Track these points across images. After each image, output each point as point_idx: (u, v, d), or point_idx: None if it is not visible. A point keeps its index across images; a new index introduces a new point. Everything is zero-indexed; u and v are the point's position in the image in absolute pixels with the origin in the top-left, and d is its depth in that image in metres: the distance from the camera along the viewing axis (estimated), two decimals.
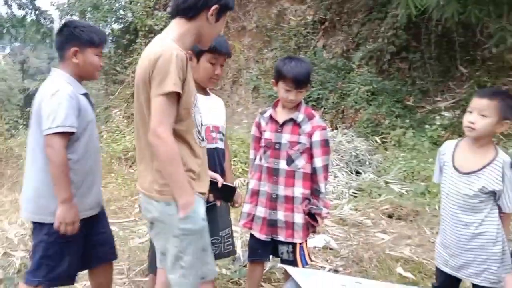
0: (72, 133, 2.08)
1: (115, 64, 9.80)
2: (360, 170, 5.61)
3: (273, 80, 2.43)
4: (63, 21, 11.32)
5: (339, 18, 8.39)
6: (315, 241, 3.58)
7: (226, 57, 2.30)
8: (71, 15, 10.29)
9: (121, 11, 10.11)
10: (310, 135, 2.35)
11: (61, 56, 2.23)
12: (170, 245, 1.79)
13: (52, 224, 2.09)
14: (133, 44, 9.15)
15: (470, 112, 2.07)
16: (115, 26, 10.38)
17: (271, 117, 2.44)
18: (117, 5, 10.13)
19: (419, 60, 7.33)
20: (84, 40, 2.19)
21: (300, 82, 2.32)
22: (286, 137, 2.37)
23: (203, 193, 1.87)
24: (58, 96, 2.06)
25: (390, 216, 4.31)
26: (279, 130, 2.38)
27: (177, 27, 1.81)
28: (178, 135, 1.75)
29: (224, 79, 8.73)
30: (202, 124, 1.95)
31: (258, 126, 2.53)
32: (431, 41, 7.24)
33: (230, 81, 8.93)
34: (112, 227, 2.78)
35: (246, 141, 6.46)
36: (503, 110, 2.02)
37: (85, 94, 2.24)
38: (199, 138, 1.88)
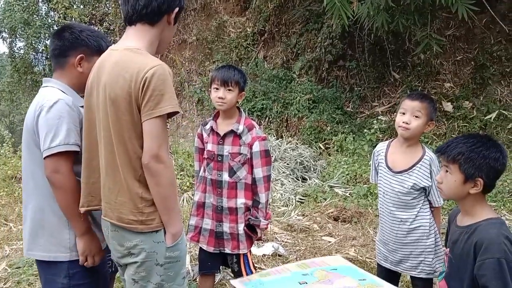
0: (77, 152, 1.76)
1: None
2: (305, 176, 5.74)
3: (209, 89, 2.47)
4: None
5: (278, 29, 8.60)
6: (264, 249, 3.61)
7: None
8: (0, 32, 9.77)
9: (55, 27, 9.75)
10: (250, 146, 2.36)
11: (60, 63, 1.89)
12: (151, 273, 1.65)
13: (71, 262, 1.78)
14: None
15: (403, 113, 2.21)
16: (49, 42, 9.98)
17: (212, 129, 2.45)
18: (49, 20, 9.76)
19: (356, 68, 7.67)
20: (92, 46, 1.88)
21: (227, 79, 2.34)
22: (227, 148, 2.38)
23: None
24: (56, 108, 1.73)
25: (335, 219, 4.44)
26: (221, 142, 2.40)
27: (141, 34, 1.66)
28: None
29: None
30: None
31: (201, 137, 2.53)
32: (365, 50, 7.60)
33: None
34: None
35: (192, 154, 6.41)
36: (431, 111, 2.18)
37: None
38: None
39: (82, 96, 1.82)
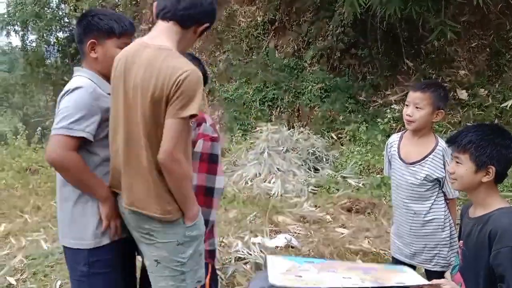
0: (89, 141, 1.73)
1: (63, 74, 9.49)
2: (318, 167, 5.71)
3: None
4: (4, 32, 10.86)
5: (288, 18, 8.50)
6: (277, 241, 3.61)
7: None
8: (12, 25, 9.85)
9: (66, 19, 9.79)
10: (193, 145, 2.01)
11: (82, 51, 1.87)
12: (172, 253, 1.75)
13: (91, 250, 1.80)
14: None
15: (407, 105, 2.16)
16: (60, 35, 10.05)
17: None
18: (60, 13, 9.80)
19: (368, 56, 7.55)
20: (102, 29, 1.81)
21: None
22: None
23: None
24: (76, 93, 1.72)
25: (348, 210, 4.41)
26: None
27: (173, 34, 1.68)
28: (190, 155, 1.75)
29: None
30: None
31: None
32: (377, 37, 7.47)
33: None
34: None
35: None
36: (435, 100, 2.12)
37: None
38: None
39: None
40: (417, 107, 2.12)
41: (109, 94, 1.78)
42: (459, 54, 7.13)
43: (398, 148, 2.27)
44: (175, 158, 1.60)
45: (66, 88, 1.78)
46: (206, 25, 1.74)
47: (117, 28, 1.82)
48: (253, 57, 8.35)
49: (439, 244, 2.17)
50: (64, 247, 1.89)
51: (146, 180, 1.67)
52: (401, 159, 2.23)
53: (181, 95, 1.56)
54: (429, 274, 2.25)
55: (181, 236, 1.74)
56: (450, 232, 2.17)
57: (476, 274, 1.61)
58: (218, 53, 8.90)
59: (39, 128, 8.56)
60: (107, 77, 1.81)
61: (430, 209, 2.15)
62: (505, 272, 1.48)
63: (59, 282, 3.03)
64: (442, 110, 2.15)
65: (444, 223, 2.16)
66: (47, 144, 1.75)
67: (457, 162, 1.63)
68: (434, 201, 2.16)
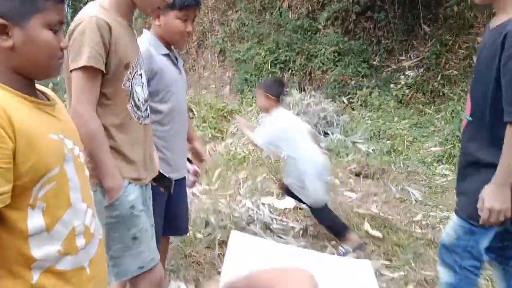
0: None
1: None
2: (328, 131, 5.70)
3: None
4: None
5: None
6: (286, 202, 3.67)
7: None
8: None
9: None
10: None
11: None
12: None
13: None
14: None
15: None
16: None
17: None
18: None
19: (384, 19, 7.35)
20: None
21: None
22: None
23: (136, 179, 1.70)
24: None
25: (357, 175, 4.44)
26: None
27: None
28: (105, 113, 1.61)
29: (189, 42, 8.52)
30: (145, 100, 1.75)
31: None
32: (394, 0, 7.25)
33: (195, 45, 8.72)
34: None
35: (214, 106, 6.42)
36: None
37: (167, 55, 2.05)
38: (137, 114, 1.70)
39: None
40: None
41: (161, 55, 2.01)
42: (478, 20, 6.92)
43: None
44: (78, 112, 1.53)
45: None
46: None
47: (178, 2, 1.97)
48: (266, 17, 8.16)
49: None
50: None
51: None
52: None
53: (72, 45, 1.55)
54: None
55: (102, 217, 1.55)
56: None
57: (486, 84, 1.58)
58: (230, 12, 8.70)
59: None
60: (166, 42, 2.05)
61: None
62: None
63: None
64: None
65: None
66: None
67: None
68: None
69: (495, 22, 1.63)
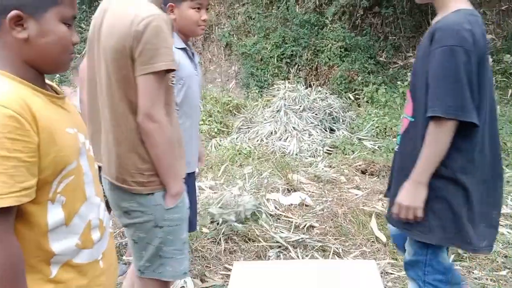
0: None
1: (80, 21, 9.36)
2: (334, 128, 5.70)
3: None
4: None
5: None
6: (291, 198, 3.67)
7: None
8: None
9: None
10: None
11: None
12: (150, 235, 1.61)
13: None
14: None
15: None
16: None
17: None
18: None
19: (392, 15, 7.31)
20: None
21: None
22: None
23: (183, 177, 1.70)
24: None
25: (363, 172, 4.44)
26: None
27: None
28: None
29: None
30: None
31: None
32: None
33: (202, 38, 8.70)
34: None
35: (220, 100, 6.41)
36: None
37: (184, 49, 2.03)
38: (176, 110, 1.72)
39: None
40: None
41: (177, 48, 1.92)
42: (487, 17, 6.86)
43: None
44: (153, 118, 1.46)
45: None
46: None
47: None
48: (273, 11, 8.13)
49: None
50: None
51: (126, 150, 1.54)
52: None
53: (144, 47, 1.43)
54: None
55: (160, 219, 1.58)
56: None
57: (423, 86, 1.58)
58: (237, 5, 8.67)
59: None
60: (184, 34, 2.02)
61: None
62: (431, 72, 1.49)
63: None
64: None
65: None
66: None
67: None
68: None
69: (434, 21, 1.63)
